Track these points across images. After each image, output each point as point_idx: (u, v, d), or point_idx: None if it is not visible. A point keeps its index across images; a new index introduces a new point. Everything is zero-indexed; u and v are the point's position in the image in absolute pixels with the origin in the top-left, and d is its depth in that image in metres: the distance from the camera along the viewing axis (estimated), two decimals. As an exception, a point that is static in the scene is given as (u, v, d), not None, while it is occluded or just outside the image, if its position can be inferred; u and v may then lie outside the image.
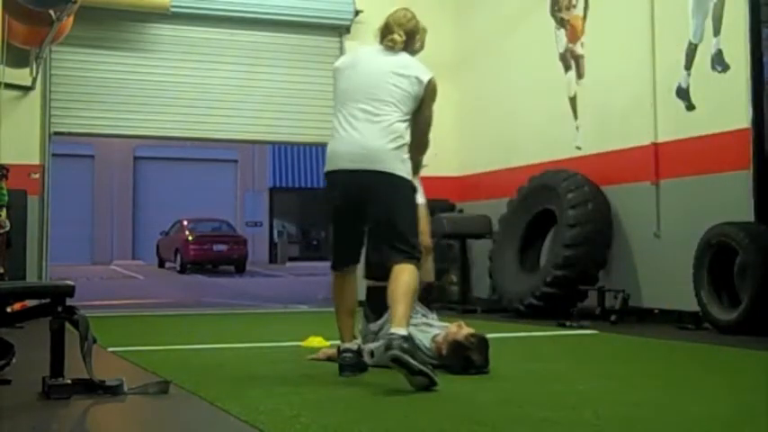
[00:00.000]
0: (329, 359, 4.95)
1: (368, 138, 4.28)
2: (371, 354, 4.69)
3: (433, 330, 4.74)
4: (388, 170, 4.23)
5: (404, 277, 4.13)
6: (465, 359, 4.45)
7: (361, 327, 4.92)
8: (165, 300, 13.43)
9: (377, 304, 4.78)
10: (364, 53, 4.68)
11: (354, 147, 4.29)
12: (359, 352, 4.38)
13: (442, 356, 4.54)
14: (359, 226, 4.40)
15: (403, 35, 4.67)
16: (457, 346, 4.49)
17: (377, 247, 4.38)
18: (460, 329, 4.58)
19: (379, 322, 4.82)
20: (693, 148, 7.67)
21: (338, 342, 5.21)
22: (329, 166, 4.42)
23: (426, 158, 4.67)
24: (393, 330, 3.96)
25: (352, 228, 4.42)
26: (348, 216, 4.39)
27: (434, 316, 5.03)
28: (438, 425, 3.15)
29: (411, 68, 4.53)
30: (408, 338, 3.94)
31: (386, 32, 4.65)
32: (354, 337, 4.52)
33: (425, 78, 4.49)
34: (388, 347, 3.87)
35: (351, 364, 4.34)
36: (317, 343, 5.71)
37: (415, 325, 4.81)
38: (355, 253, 4.50)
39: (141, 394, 3.85)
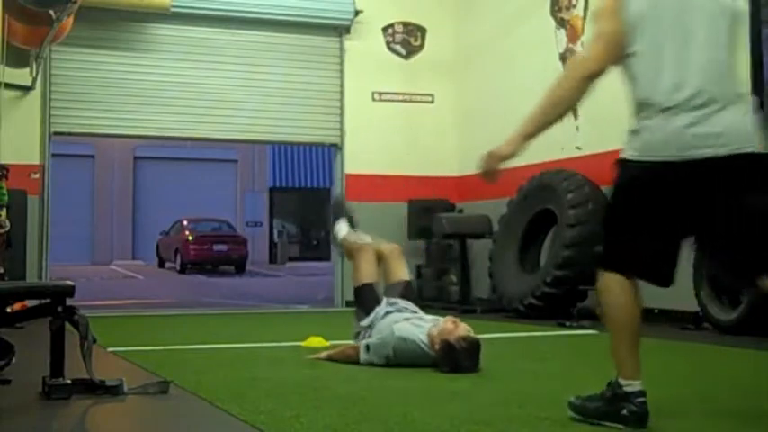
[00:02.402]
0: (330, 359, 4.97)
1: None
2: (367, 348, 4.74)
3: (425, 324, 4.73)
4: None
5: None
6: (454, 361, 4.43)
7: (354, 324, 5.08)
8: (165, 300, 13.43)
9: (367, 303, 5.02)
10: None
11: None
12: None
13: (435, 352, 4.55)
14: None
15: None
16: (447, 348, 4.47)
17: None
18: (455, 328, 4.55)
19: (370, 317, 4.96)
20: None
21: (339, 342, 5.22)
22: None
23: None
24: None
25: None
26: None
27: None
28: (438, 425, 3.14)
29: None
30: None
31: None
32: None
33: None
34: None
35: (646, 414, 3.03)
36: (316, 343, 5.72)
37: (408, 319, 4.83)
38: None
39: (141, 394, 3.85)
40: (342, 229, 5.65)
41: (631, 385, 3.05)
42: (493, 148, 3.24)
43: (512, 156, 3.19)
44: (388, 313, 5.03)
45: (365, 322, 5.00)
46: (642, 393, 3.03)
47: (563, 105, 3.24)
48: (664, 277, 3.26)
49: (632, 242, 3.12)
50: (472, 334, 4.58)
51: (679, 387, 4.13)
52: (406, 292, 5.29)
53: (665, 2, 3.07)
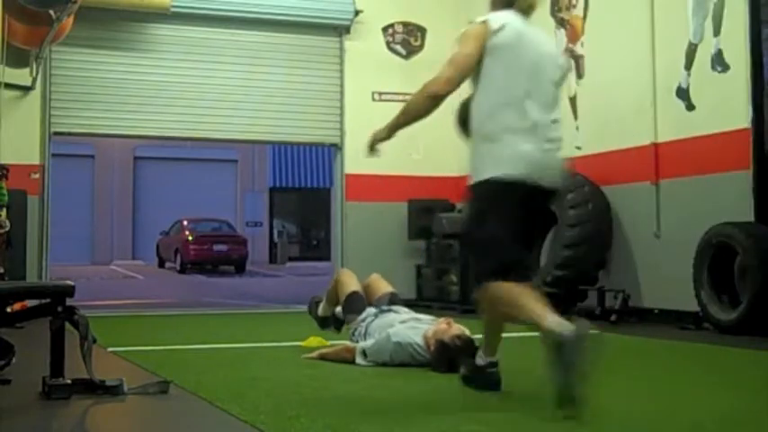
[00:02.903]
0: (322, 358, 5.00)
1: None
2: (364, 354, 4.77)
3: (422, 326, 4.76)
4: None
5: None
6: (449, 361, 4.45)
7: (351, 326, 5.17)
8: (165, 300, 13.44)
9: (357, 306, 5.25)
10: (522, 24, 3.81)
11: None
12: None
13: (431, 353, 4.57)
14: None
15: None
16: (442, 348, 4.49)
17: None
18: (449, 328, 4.58)
19: (363, 313, 5.14)
20: (693, 148, 7.67)
21: (339, 342, 5.23)
22: None
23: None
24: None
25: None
26: None
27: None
28: (438, 425, 3.14)
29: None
30: None
31: None
32: None
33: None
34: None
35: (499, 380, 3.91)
36: (317, 343, 5.71)
37: (404, 321, 4.86)
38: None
39: (141, 394, 3.85)
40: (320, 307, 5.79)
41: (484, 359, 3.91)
42: (375, 130, 3.84)
43: (385, 139, 3.81)
44: (382, 312, 5.08)
45: (361, 316, 5.11)
46: (496, 364, 3.91)
47: (412, 115, 3.81)
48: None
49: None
50: (467, 333, 4.60)
51: (680, 387, 4.13)
52: (394, 298, 5.44)
53: (526, 45, 3.71)
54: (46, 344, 3.80)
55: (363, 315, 5.15)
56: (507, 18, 3.74)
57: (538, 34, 3.83)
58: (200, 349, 5.97)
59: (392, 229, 10.77)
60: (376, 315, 5.10)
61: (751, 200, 6.96)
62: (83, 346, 3.80)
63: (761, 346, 5.75)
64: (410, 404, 3.60)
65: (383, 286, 5.56)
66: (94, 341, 3.87)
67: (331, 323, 5.69)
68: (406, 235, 10.73)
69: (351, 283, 5.46)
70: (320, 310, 5.72)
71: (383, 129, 3.80)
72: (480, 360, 3.91)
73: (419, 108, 3.76)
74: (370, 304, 5.35)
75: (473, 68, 3.68)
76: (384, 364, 4.68)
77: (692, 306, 7.12)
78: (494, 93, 3.69)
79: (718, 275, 6.90)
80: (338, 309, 5.54)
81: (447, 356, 4.46)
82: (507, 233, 3.58)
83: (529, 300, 3.45)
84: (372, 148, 3.81)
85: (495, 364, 3.92)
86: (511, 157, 3.61)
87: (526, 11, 3.83)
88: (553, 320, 3.29)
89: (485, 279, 3.58)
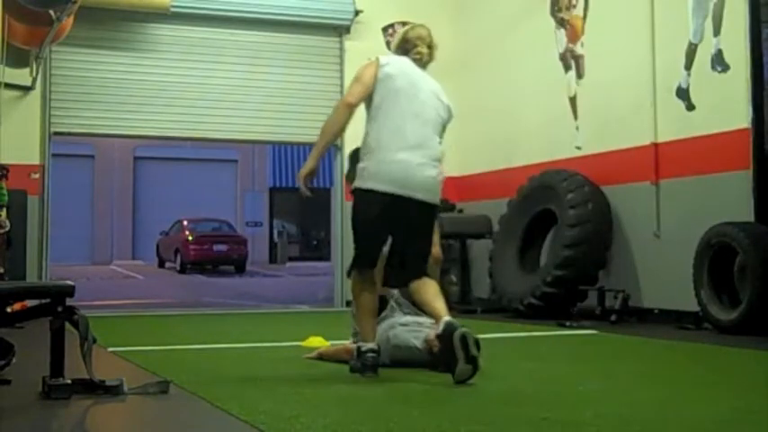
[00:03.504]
0: (321, 358, 5.00)
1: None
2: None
3: (423, 330, 4.75)
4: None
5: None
6: (455, 362, 4.44)
7: (352, 326, 5.02)
8: (165, 300, 13.44)
9: None
10: (408, 64, 4.69)
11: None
12: (379, 351, 4.43)
13: (432, 354, 4.56)
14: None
15: (427, 50, 4.74)
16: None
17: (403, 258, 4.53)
18: None
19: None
20: (693, 148, 7.67)
21: (339, 342, 5.22)
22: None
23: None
24: (448, 318, 4.14)
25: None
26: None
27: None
28: (438, 424, 3.14)
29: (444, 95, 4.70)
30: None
31: (409, 46, 4.73)
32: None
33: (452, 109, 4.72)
34: (451, 327, 4.03)
35: (374, 365, 4.36)
36: (317, 343, 5.71)
37: (406, 324, 4.85)
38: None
39: (141, 394, 3.85)
40: None
41: (368, 345, 4.39)
42: (300, 170, 4.57)
43: (314, 169, 4.53)
44: (385, 318, 5.05)
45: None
46: (374, 350, 4.38)
47: (330, 132, 4.54)
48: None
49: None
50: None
51: (680, 387, 4.13)
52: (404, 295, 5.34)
53: (403, 75, 4.54)
54: (46, 344, 3.80)
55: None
56: (396, 58, 4.68)
57: (423, 75, 4.63)
58: (200, 349, 5.97)
59: (392, 229, 10.75)
60: (381, 320, 5.03)
61: (751, 200, 6.96)
62: (83, 346, 3.80)
63: (761, 346, 5.74)
64: (410, 404, 3.61)
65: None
66: (94, 341, 3.87)
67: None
68: (406, 235, 10.71)
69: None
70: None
71: (307, 162, 4.53)
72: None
73: (337, 121, 4.49)
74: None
75: (373, 87, 4.49)
76: (383, 365, 4.67)
77: (692, 306, 7.12)
78: (378, 115, 4.46)
79: (718, 275, 6.90)
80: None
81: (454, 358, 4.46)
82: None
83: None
84: (305, 188, 4.54)
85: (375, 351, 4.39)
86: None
87: (419, 61, 4.65)
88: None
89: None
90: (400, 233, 4.46)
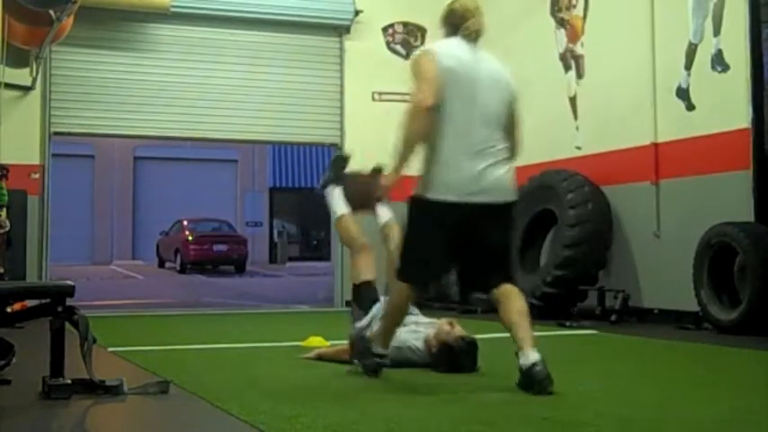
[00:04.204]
0: (320, 358, 5.00)
1: None
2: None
3: (422, 329, 4.76)
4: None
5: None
6: (453, 361, 4.46)
7: (351, 325, 5.05)
8: (165, 300, 13.44)
9: (365, 301, 5.05)
10: (462, 50, 4.17)
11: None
12: (385, 357, 4.42)
13: (431, 354, 4.57)
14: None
15: (478, 22, 4.26)
16: (446, 349, 4.50)
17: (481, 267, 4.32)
18: (452, 329, 4.59)
19: (368, 317, 4.93)
20: (693, 148, 7.67)
21: (339, 342, 5.22)
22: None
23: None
24: (536, 357, 3.89)
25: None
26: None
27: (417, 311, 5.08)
28: (438, 425, 3.14)
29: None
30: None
31: (457, 21, 4.21)
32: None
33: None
34: (535, 372, 3.81)
35: (378, 369, 4.36)
36: (317, 343, 5.71)
37: (405, 324, 4.85)
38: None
39: (141, 394, 3.85)
40: (338, 202, 5.43)
41: (379, 349, 4.36)
42: (387, 184, 4.36)
43: (397, 179, 4.21)
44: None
45: (363, 323, 5.00)
46: (383, 356, 4.34)
47: (412, 140, 4.03)
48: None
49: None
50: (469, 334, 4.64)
51: (680, 387, 4.13)
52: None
53: (462, 68, 4.04)
54: (46, 344, 3.80)
55: (365, 321, 5.02)
56: (449, 45, 4.15)
57: (478, 60, 4.15)
58: (201, 349, 5.97)
59: (392, 229, 10.75)
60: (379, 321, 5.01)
61: (751, 200, 6.96)
62: (83, 346, 3.80)
63: (761, 346, 5.74)
64: (410, 404, 3.61)
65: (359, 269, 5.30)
66: (94, 341, 3.87)
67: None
68: (406, 235, 10.70)
69: (366, 270, 5.21)
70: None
71: (391, 173, 4.20)
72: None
73: (418, 130, 3.98)
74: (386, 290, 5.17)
75: (440, 83, 3.98)
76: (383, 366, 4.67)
77: (692, 306, 7.12)
78: (438, 117, 3.99)
79: (718, 275, 6.90)
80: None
81: (450, 358, 4.48)
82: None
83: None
84: (387, 195, 4.28)
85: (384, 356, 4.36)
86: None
87: (471, 37, 4.17)
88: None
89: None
90: (475, 243, 4.13)
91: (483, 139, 4.04)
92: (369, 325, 4.95)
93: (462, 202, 4.00)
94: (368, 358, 4.35)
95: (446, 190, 4.02)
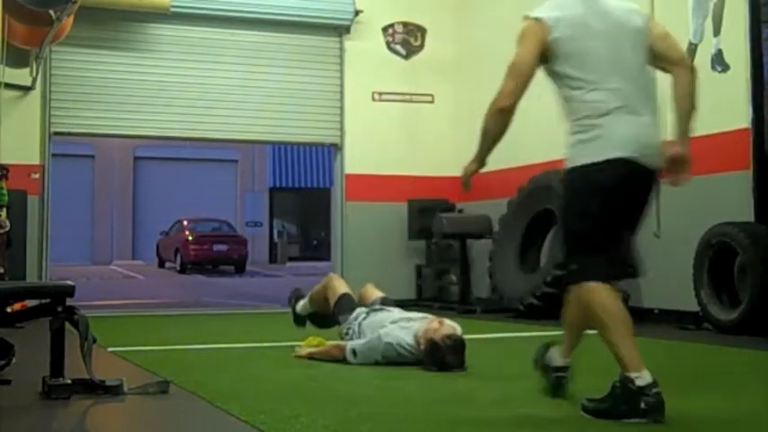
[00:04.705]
0: (311, 357, 5.03)
1: None
2: (354, 353, 4.79)
3: (413, 325, 4.79)
4: None
5: None
6: (440, 360, 4.48)
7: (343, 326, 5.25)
8: (165, 300, 13.43)
9: (348, 306, 5.32)
10: (586, 6, 3.53)
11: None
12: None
13: (420, 351, 4.61)
14: None
15: None
16: (432, 347, 4.53)
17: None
18: (441, 327, 4.63)
19: (355, 312, 5.23)
20: (693, 148, 7.63)
21: (338, 342, 5.23)
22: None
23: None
24: (650, 378, 3.24)
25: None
26: None
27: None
28: (438, 425, 3.14)
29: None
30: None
31: None
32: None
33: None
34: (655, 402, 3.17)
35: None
36: (316, 343, 5.71)
37: (395, 321, 4.89)
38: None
39: (141, 394, 3.85)
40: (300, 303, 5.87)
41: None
42: (465, 165, 3.81)
43: (478, 170, 3.78)
44: (374, 311, 5.11)
45: (352, 315, 5.20)
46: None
47: (491, 136, 3.64)
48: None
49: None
50: (458, 332, 4.68)
51: (680, 387, 4.13)
52: (386, 301, 5.49)
53: (590, 25, 3.46)
54: (46, 344, 3.80)
55: (355, 314, 5.19)
56: (562, 5, 3.53)
57: (606, 13, 3.49)
58: (201, 349, 5.97)
59: (392, 229, 10.77)
60: (367, 314, 5.15)
61: (751, 200, 6.96)
62: (83, 346, 3.80)
63: (761, 346, 5.74)
64: (409, 404, 3.61)
65: (375, 292, 5.63)
66: (94, 341, 3.87)
67: (305, 322, 5.79)
68: (406, 235, 10.73)
69: (341, 286, 5.54)
70: (299, 307, 5.77)
71: (472, 162, 3.77)
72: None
73: (495, 127, 3.63)
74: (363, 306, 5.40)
75: (533, 73, 3.57)
76: (376, 363, 4.70)
77: (692, 306, 7.12)
78: (573, 84, 3.52)
79: (718, 275, 6.90)
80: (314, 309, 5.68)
81: (437, 355, 4.50)
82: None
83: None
84: (467, 183, 3.81)
85: (564, 369, 3.66)
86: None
87: None
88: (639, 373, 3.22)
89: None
90: (635, 215, 3.60)
91: (637, 96, 3.46)
92: (356, 318, 5.16)
93: (638, 162, 3.42)
94: (549, 374, 3.69)
95: (620, 146, 3.39)
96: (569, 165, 3.52)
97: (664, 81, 3.59)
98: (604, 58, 3.43)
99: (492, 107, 3.60)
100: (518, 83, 3.56)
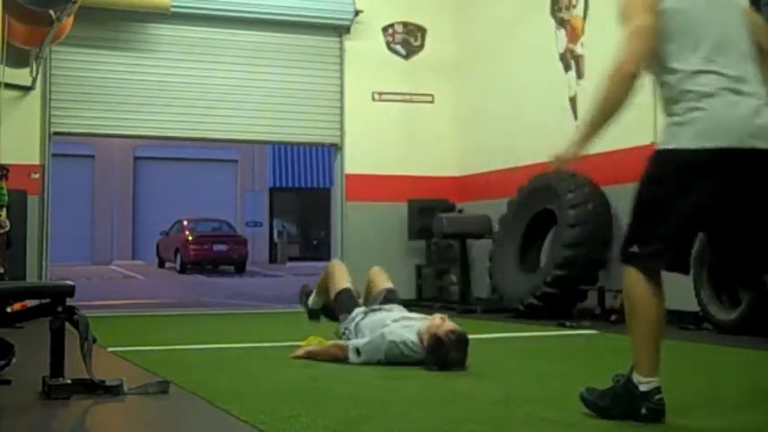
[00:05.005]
0: (309, 356, 5.03)
1: None
2: (357, 352, 4.79)
3: (414, 324, 4.80)
4: None
5: None
6: (443, 356, 4.49)
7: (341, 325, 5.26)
8: (165, 300, 13.43)
9: (347, 305, 5.28)
10: None
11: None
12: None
13: (423, 348, 4.61)
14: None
15: None
16: (436, 342, 4.54)
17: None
18: (443, 323, 4.63)
19: (352, 314, 5.19)
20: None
21: (338, 342, 5.22)
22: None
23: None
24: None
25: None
26: None
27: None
28: (438, 425, 3.15)
29: None
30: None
31: None
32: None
33: None
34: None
35: (663, 411, 3.14)
36: (316, 343, 5.71)
37: (397, 320, 4.89)
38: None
39: (141, 394, 3.85)
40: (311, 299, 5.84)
41: (649, 383, 3.11)
42: (558, 151, 3.44)
43: (575, 156, 3.38)
44: (372, 311, 5.11)
45: (351, 315, 5.20)
46: (659, 390, 3.09)
47: (612, 108, 3.27)
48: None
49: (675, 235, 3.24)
50: (460, 328, 4.69)
51: (680, 387, 4.13)
52: (390, 295, 5.45)
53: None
54: (46, 344, 3.80)
55: (353, 314, 5.19)
56: None
57: None
58: (201, 349, 5.97)
59: (392, 229, 10.77)
60: (365, 313, 5.15)
61: (751, 200, 6.95)
62: (83, 346, 3.80)
63: (761, 346, 5.75)
64: (410, 404, 3.60)
65: (382, 281, 5.57)
66: (94, 341, 3.87)
67: (320, 315, 5.76)
68: (406, 235, 10.73)
69: (342, 279, 5.47)
70: (311, 302, 5.75)
71: (574, 144, 3.35)
72: (642, 384, 3.10)
73: (620, 95, 3.24)
74: (366, 302, 5.39)
75: (654, 43, 3.18)
76: (378, 362, 4.70)
77: (692, 306, 7.11)
78: (676, 64, 3.21)
79: (718, 275, 6.90)
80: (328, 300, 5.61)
81: (440, 351, 4.50)
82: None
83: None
84: (560, 170, 3.49)
85: (658, 390, 3.13)
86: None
87: None
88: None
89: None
90: (746, 206, 3.17)
91: (744, 72, 3.17)
92: (353, 318, 5.15)
93: (738, 148, 3.11)
94: (645, 401, 3.13)
95: (713, 134, 3.14)
96: (660, 146, 3.36)
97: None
98: (715, 34, 3.14)
99: (616, 73, 3.19)
100: (644, 46, 3.17)
